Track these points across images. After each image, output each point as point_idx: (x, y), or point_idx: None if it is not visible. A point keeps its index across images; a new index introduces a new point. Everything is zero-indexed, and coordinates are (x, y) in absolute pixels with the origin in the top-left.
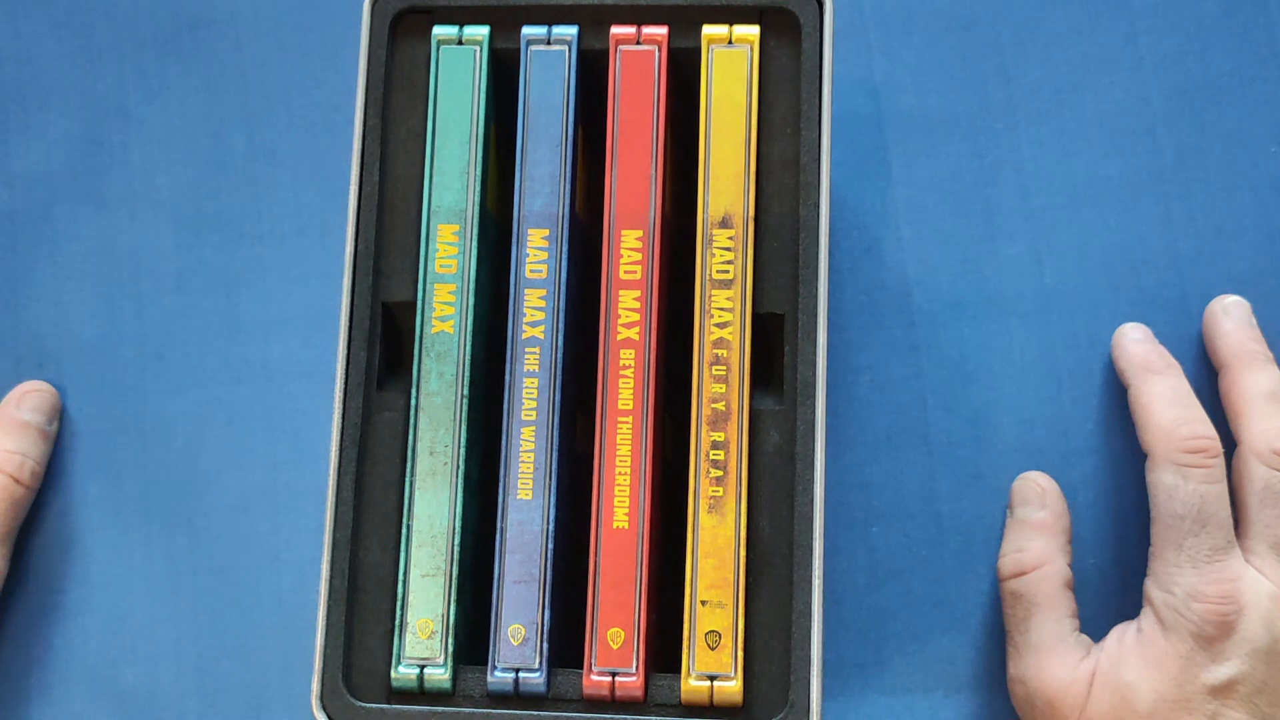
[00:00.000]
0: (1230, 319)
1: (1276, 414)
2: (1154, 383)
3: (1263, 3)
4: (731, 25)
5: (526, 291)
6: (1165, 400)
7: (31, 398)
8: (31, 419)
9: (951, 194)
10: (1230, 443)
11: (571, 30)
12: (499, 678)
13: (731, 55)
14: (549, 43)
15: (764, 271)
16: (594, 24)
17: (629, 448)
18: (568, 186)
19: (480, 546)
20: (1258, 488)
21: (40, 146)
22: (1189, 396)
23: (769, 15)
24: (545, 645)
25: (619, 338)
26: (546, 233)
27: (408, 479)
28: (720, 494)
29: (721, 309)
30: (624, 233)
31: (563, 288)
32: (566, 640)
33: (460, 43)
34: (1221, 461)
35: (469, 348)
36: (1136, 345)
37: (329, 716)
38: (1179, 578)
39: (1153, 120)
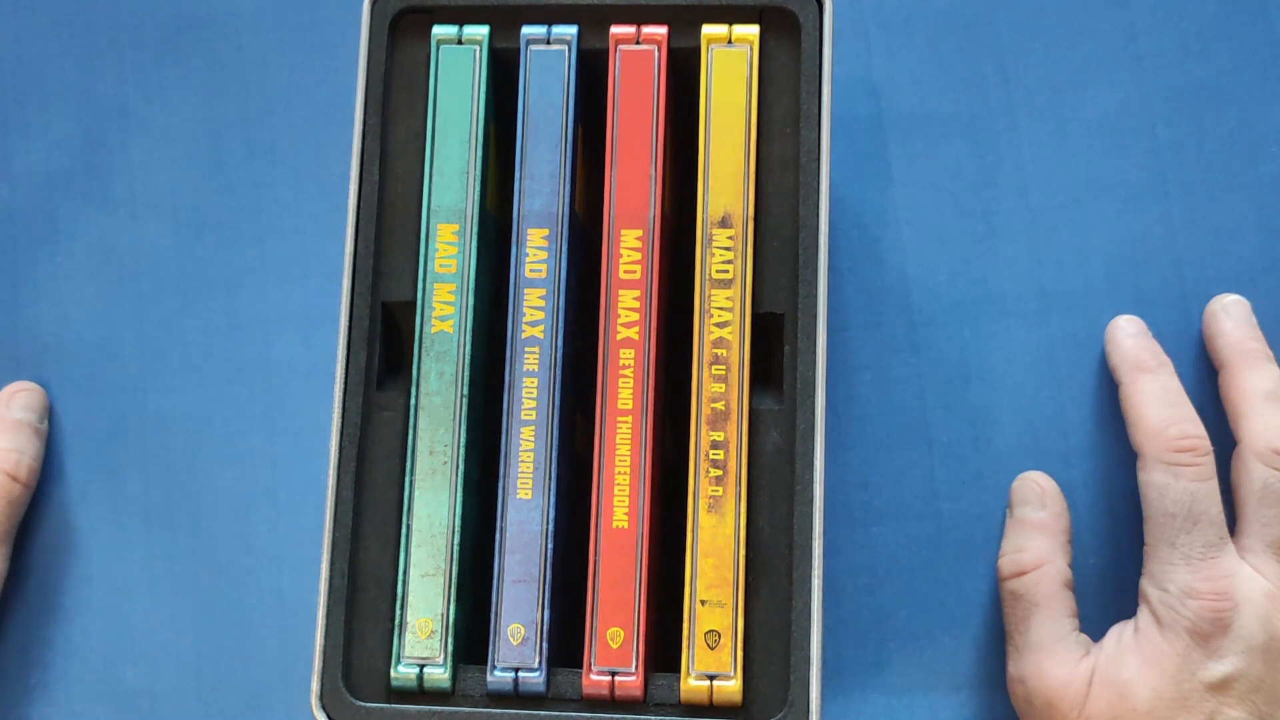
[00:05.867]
0: (1230, 318)
1: (1276, 413)
2: (1144, 381)
3: (1263, 3)
4: (731, 25)
5: (526, 291)
6: (1155, 399)
7: (21, 397)
8: (23, 417)
9: (951, 194)
10: (1225, 440)
11: (571, 30)
12: (498, 677)
13: (731, 55)
14: (549, 42)
15: (763, 271)
16: (594, 24)
17: (629, 447)
18: (567, 186)
19: (480, 546)
20: (1256, 486)
21: (40, 146)
22: (1179, 395)
23: (769, 15)
24: (545, 645)
25: (619, 337)
26: (546, 232)
27: (407, 479)
28: (720, 494)
29: (721, 309)
30: (624, 232)
31: (562, 287)
32: (566, 640)
33: (460, 42)
34: (1211, 459)
35: (469, 347)
36: (1129, 340)
37: (329, 716)
38: (1173, 575)
39: (1153, 120)
